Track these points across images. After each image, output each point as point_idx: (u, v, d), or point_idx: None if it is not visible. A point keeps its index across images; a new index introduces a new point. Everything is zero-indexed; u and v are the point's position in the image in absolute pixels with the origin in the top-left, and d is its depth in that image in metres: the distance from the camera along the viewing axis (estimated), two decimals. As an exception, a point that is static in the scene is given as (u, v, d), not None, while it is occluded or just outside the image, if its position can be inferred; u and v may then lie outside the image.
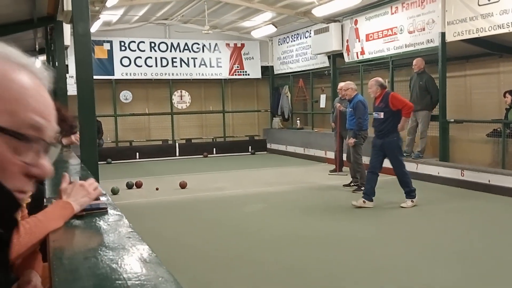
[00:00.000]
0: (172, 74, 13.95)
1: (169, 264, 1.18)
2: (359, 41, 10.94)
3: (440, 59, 8.66)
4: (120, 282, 1.05)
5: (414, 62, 8.90)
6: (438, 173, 8.48)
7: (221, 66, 14.39)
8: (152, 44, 13.68)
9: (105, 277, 1.08)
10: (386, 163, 6.85)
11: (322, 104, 13.06)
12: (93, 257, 1.21)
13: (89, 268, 1.15)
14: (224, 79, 14.52)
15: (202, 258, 4.81)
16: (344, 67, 11.88)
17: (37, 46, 11.49)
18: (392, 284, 4.09)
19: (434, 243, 5.14)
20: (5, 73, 0.73)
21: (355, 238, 5.41)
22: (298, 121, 13.97)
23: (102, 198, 1.76)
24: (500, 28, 7.49)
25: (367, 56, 10.76)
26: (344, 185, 8.37)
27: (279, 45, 14.55)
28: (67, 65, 8.66)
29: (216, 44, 14.24)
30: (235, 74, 14.58)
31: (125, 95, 13.88)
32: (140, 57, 13.58)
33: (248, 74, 14.71)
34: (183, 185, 8.64)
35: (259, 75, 14.86)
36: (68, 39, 8.11)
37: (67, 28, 7.86)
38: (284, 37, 14.16)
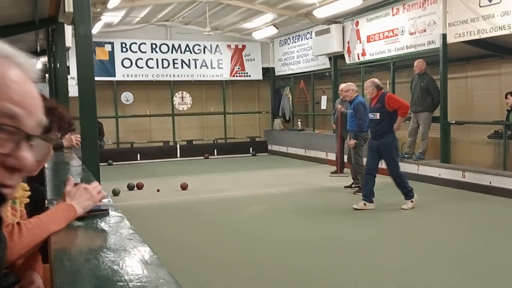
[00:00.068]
0: (173, 76, 13.96)
1: (170, 266, 1.18)
2: (360, 43, 10.95)
3: (441, 60, 8.66)
4: (121, 283, 1.05)
5: (415, 63, 8.90)
6: (439, 175, 8.47)
7: (222, 68, 14.39)
8: (153, 46, 13.69)
9: (107, 279, 1.08)
10: (384, 164, 6.84)
11: (323, 105, 13.06)
12: (95, 259, 1.22)
13: (90, 270, 1.15)
14: (225, 80, 14.53)
15: (203, 260, 4.81)
16: (345, 68, 11.88)
17: (38, 48, 11.51)
18: (393, 286, 4.08)
19: (435, 244, 5.13)
20: None
21: (356, 240, 5.40)
22: (299, 123, 13.97)
23: (104, 200, 1.76)
24: (501, 29, 7.48)
25: (368, 57, 10.76)
26: (345, 187, 8.37)
27: (280, 46, 14.56)
28: (68, 67, 8.69)
29: (217, 45, 14.25)
30: (236, 76, 14.59)
31: (126, 97, 13.89)
32: (141, 59, 13.60)
33: (249, 76, 14.72)
34: (184, 187, 8.65)
35: (260, 77, 14.86)
36: (69, 40, 8.13)
37: (68, 30, 7.87)
38: (285, 39, 14.17)
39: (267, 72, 14.97)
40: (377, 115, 6.58)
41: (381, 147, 6.57)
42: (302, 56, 13.46)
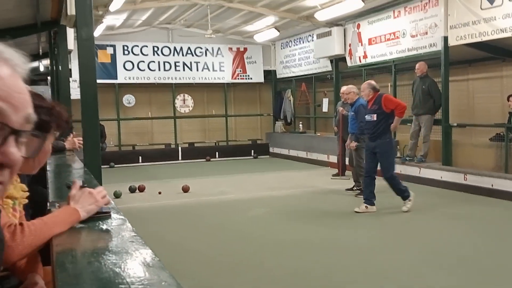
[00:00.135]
0: (175, 78, 13.97)
1: (172, 269, 1.18)
2: (361, 45, 10.95)
3: (443, 63, 8.66)
4: (123, 286, 1.05)
5: (417, 66, 8.90)
6: (441, 177, 8.46)
7: (223, 70, 14.41)
8: (155, 48, 13.72)
9: (109, 281, 1.08)
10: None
11: (325, 108, 13.07)
12: (96, 261, 1.22)
13: (92, 273, 1.16)
14: (226, 83, 14.54)
15: (206, 263, 4.81)
16: (346, 71, 11.89)
17: (40, 50, 11.54)
18: (394, 287, 4.08)
19: (436, 246, 5.12)
20: None
21: (357, 242, 5.40)
22: (300, 125, 13.97)
23: (106, 204, 1.77)
24: (503, 32, 7.49)
25: (369, 60, 10.77)
26: (346, 189, 8.36)
27: (281, 49, 14.57)
28: (70, 69, 8.71)
29: (218, 48, 14.27)
30: (238, 78, 14.60)
31: (128, 99, 13.91)
32: (143, 61, 13.62)
33: (251, 78, 14.73)
34: (185, 189, 8.64)
35: (261, 79, 14.87)
36: (71, 43, 8.15)
37: (70, 32, 7.90)
38: (287, 41, 14.18)
39: (269, 74, 14.98)
40: (374, 117, 6.58)
41: (378, 148, 6.56)
42: (304, 58, 13.47)
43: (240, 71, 14.56)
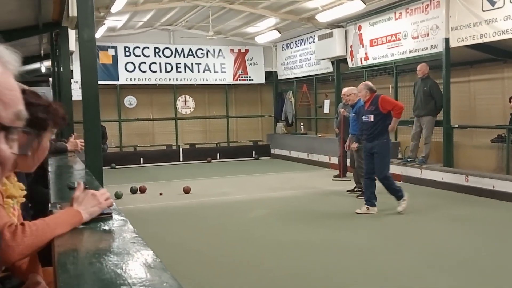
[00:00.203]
0: (176, 80, 13.99)
1: (173, 270, 1.19)
2: (363, 47, 10.95)
3: (444, 64, 8.66)
4: (124, 287, 1.05)
5: (419, 67, 8.89)
6: (442, 179, 8.46)
7: (225, 72, 14.42)
8: (157, 50, 13.74)
9: (110, 282, 1.09)
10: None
11: (326, 109, 13.06)
12: (98, 262, 1.22)
13: (94, 273, 1.16)
14: (228, 84, 14.55)
15: (207, 264, 4.81)
16: (347, 72, 11.89)
17: (42, 52, 11.55)
18: (396, 290, 4.08)
19: (437, 248, 5.11)
20: None
21: (358, 244, 5.39)
22: (301, 127, 13.97)
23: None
24: (504, 33, 7.48)
25: (371, 61, 10.77)
26: (348, 191, 8.36)
27: (283, 50, 14.58)
28: (72, 71, 8.72)
29: (220, 49, 14.28)
30: (239, 80, 14.61)
31: (130, 100, 13.93)
32: (145, 63, 13.64)
33: (252, 80, 14.74)
34: (187, 190, 8.65)
35: (263, 81, 14.88)
36: (73, 44, 8.15)
37: (72, 34, 7.91)
38: (288, 43, 14.19)
39: (270, 76, 14.99)
40: (371, 118, 6.57)
41: (375, 148, 6.55)
42: (305, 60, 13.47)
43: (242, 72, 14.57)
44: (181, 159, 13.74)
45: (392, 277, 4.36)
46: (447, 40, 8.54)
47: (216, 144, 14.67)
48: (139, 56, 13.58)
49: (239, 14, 11.71)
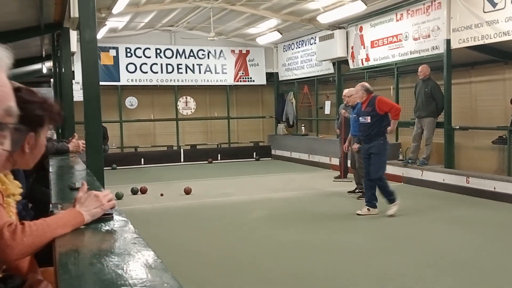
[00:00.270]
0: (178, 81, 14.00)
1: (174, 270, 1.19)
2: (364, 48, 10.96)
3: (445, 66, 8.65)
4: (125, 287, 1.05)
5: (420, 68, 8.89)
6: (443, 180, 8.45)
7: (226, 73, 14.43)
8: (158, 51, 13.75)
9: (111, 283, 1.09)
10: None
11: (327, 110, 13.06)
12: (99, 263, 1.22)
13: (94, 274, 1.16)
14: (229, 85, 14.56)
15: (208, 264, 4.81)
16: (349, 73, 11.89)
17: (43, 53, 11.56)
18: (397, 292, 4.08)
19: (438, 250, 5.11)
20: None
21: (359, 245, 5.39)
22: (302, 128, 13.97)
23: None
24: (506, 35, 7.48)
25: (372, 62, 10.77)
26: (348, 192, 8.35)
27: (284, 51, 14.59)
28: (73, 71, 8.70)
29: (221, 50, 14.29)
30: (240, 81, 14.62)
31: (131, 101, 13.94)
32: (146, 64, 13.65)
33: (253, 81, 14.75)
34: (187, 191, 8.65)
35: (264, 82, 14.88)
36: (74, 45, 8.16)
37: (73, 35, 7.91)
38: (289, 44, 14.20)
39: (271, 77, 14.99)
40: (368, 119, 6.55)
41: (372, 149, 6.54)
42: (306, 61, 13.48)
43: (243, 73, 14.57)
44: (182, 160, 13.74)
45: (392, 277, 4.36)
46: (448, 42, 8.54)
47: (217, 145, 14.67)
48: (141, 57, 13.60)
49: (240, 15, 11.72)
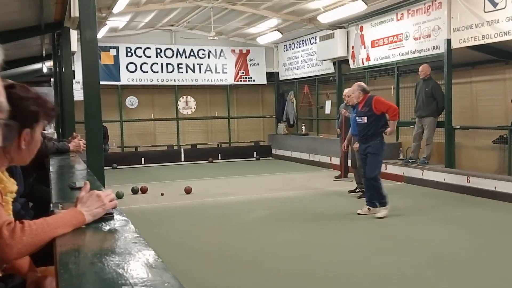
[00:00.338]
0: (178, 80, 14.00)
1: (175, 270, 1.19)
2: (364, 48, 10.95)
3: (446, 65, 8.65)
4: (126, 287, 1.05)
5: (420, 68, 8.89)
6: (444, 180, 8.45)
7: (226, 72, 14.43)
8: (158, 50, 13.75)
9: (112, 282, 1.09)
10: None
11: (327, 110, 13.06)
12: (100, 262, 1.22)
13: (95, 273, 1.16)
14: (229, 85, 14.56)
15: (208, 264, 4.81)
16: (349, 73, 11.89)
17: (44, 52, 11.56)
18: (398, 291, 4.08)
19: (439, 249, 5.11)
20: None
21: (360, 244, 5.39)
22: (303, 127, 13.97)
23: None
24: (506, 35, 7.48)
25: (372, 62, 10.77)
26: (349, 191, 8.35)
27: (284, 51, 14.59)
28: (73, 71, 8.70)
29: (221, 50, 14.30)
30: (241, 80, 14.62)
31: (131, 101, 13.95)
32: (146, 63, 13.65)
33: (254, 80, 14.75)
34: (188, 191, 8.66)
35: (264, 81, 14.89)
36: (75, 45, 8.17)
37: (74, 34, 7.92)
38: (290, 43, 14.20)
39: (271, 76, 14.99)
40: (365, 119, 6.52)
41: (369, 149, 6.53)
42: (306, 61, 13.48)
43: (243, 73, 14.57)
44: (182, 159, 13.75)
45: (392, 277, 4.36)
46: (448, 41, 8.54)
47: (218, 144, 14.68)
48: (141, 56, 13.60)
49: (241, 15, 11.72)
